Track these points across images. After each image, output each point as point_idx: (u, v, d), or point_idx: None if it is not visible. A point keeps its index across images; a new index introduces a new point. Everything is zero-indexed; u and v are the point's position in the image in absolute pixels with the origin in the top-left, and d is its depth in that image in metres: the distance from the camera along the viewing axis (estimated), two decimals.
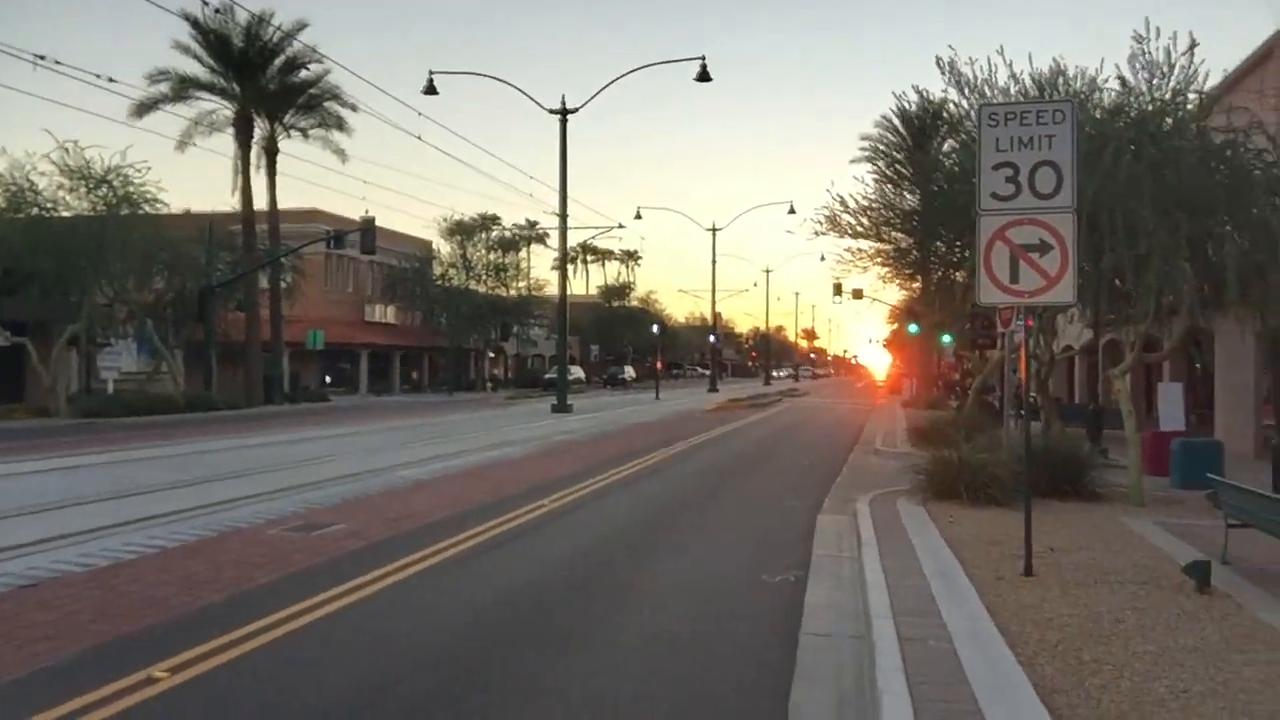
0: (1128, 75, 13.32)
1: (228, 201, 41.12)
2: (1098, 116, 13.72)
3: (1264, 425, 18.58)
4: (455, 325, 57.77)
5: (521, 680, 5.84)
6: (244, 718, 5.21)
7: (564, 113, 37.16)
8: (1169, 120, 12.98)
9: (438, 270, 60.32)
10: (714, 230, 71.69)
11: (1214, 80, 13.64)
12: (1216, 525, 9.30)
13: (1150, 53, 12.82)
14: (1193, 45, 12.72)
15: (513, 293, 63.80)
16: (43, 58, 26.20)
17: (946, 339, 30.49)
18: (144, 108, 37.60)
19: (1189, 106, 13.13)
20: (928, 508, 11.82)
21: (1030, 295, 8.25)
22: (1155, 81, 13.04)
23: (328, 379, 53.37)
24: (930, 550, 9.12)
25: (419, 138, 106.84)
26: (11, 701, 5.30)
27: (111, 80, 44.10)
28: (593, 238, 76.46)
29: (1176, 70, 12.76)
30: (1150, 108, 13.06)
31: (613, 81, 37.44)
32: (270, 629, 6.75)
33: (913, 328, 38.86)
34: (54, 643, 6.36)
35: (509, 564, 9.33)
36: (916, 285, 29.01)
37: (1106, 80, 14.33)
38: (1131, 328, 14.16)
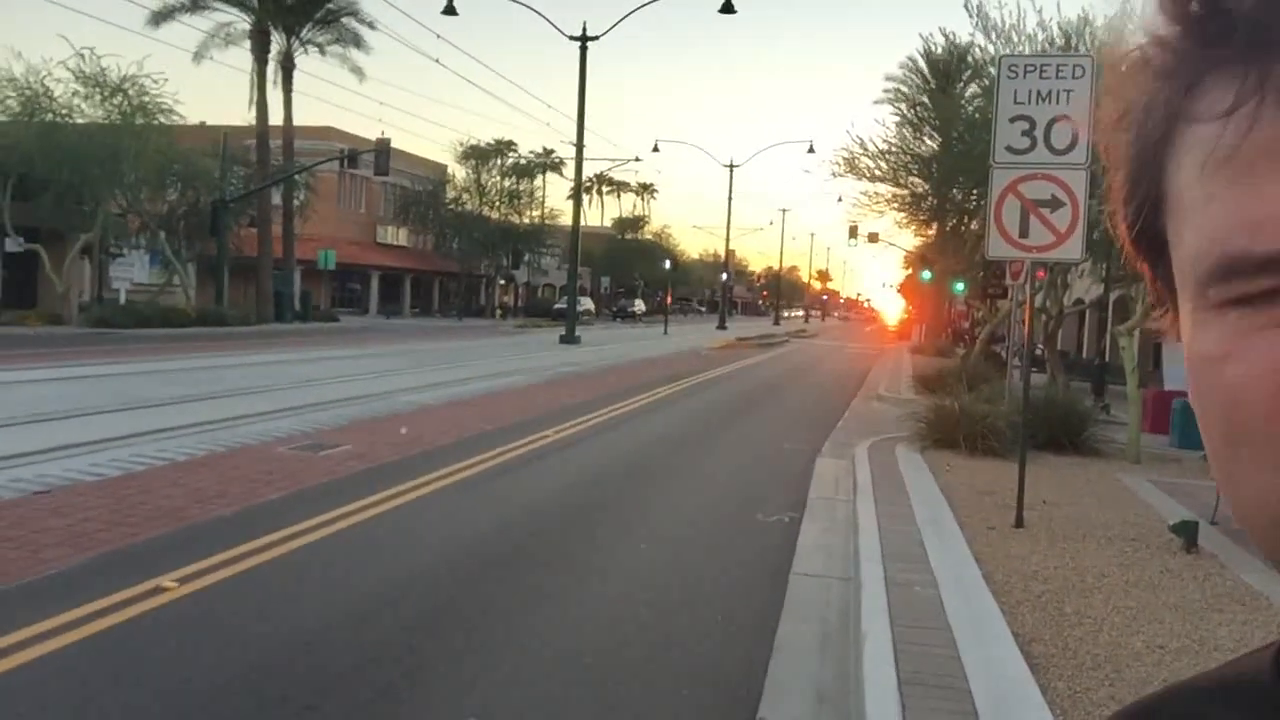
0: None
1: (243, 116, 40.85)
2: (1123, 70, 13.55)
3: None
4: (467, 250, 57.73)
5: (516, 595, 6.02)
6: (250, 627, 5.40)
7: (584, 40, 36.69)
8: None
9: (451, 194, 60.10)
10: (731, 167, 71.22)
11: None
12: (1210, 486, 9.41)
13: None
14: None
15: (526, 221, 63.66)
16: None
17: (959, 287, 30.43)
18: (160, 16, 37.22)
19: None
20: (925, 455, 11.95)
21: (1039, 251, 8.28)
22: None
23: (337, 299, 53.55)
24: (924, 498, 9.26)
25: (437, 60, 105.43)
26: (23, 604, 5.49)
27: None
28: (609, 169, 75.91)
29: None
30: None
31: (636, 9, 36.81)
32: (278, 544, 6.94)
33: (925, 274, 38.74)
34: (66, 549, 6.55)
35: (510, 492, 9.51)
36: (931, 232, 28.96)
37: (1134, 32, 14.14)
38: (1141, 285, 14.15)
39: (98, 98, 31.66)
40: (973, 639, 5.22)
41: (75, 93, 31.48)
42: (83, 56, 31.15)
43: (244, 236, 40.21)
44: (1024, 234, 8.24)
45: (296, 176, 41.66)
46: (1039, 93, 8.23)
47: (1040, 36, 16.72)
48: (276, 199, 41.36)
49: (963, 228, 22.34)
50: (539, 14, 36.99)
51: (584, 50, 36.86)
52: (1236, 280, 0.41)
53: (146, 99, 32.17)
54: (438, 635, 5.45)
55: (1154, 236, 0.48)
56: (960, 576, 6.48)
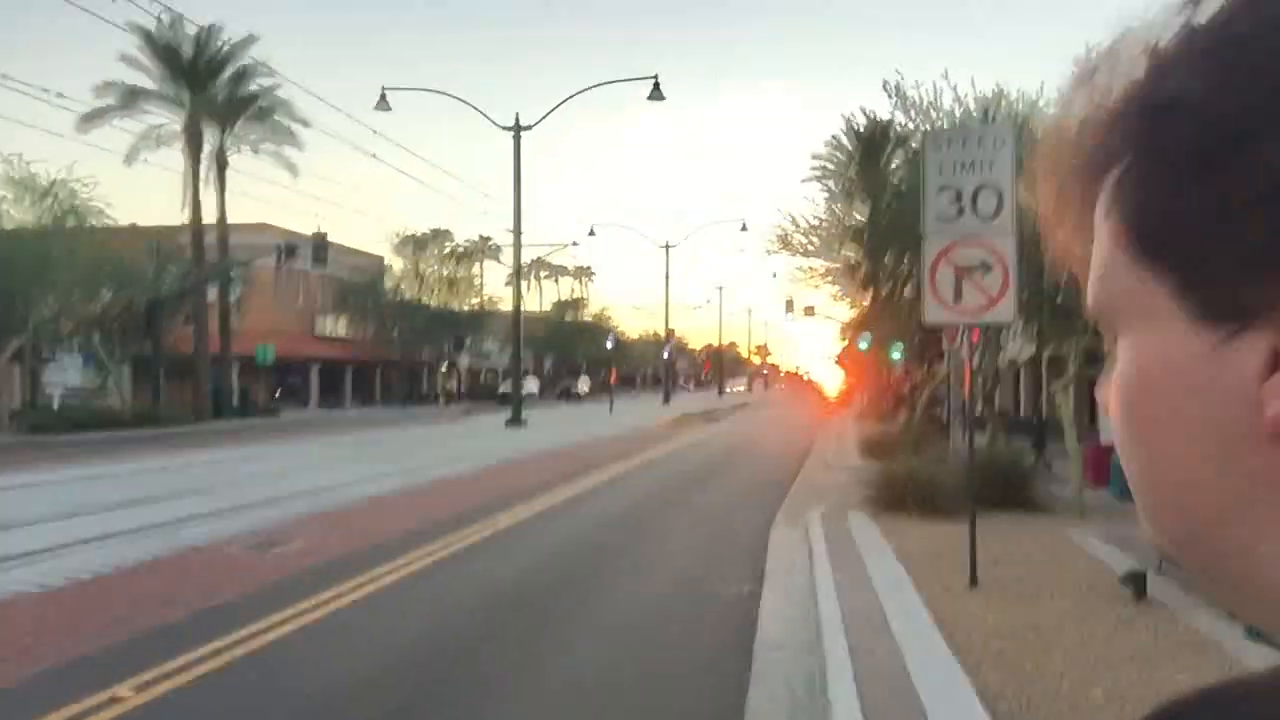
0: None
1: (176, 216, 40.63)
2: (1040, 137, 14.15)
3: None
4: (408, 339, 57.54)
5: (480, 686, 5.97)
6: None
7: (518, 130, 37.27)
8: None
9: (389, 283, 60.07)
10: (667, 247, 72.23)
11: None
12: None
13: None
14: None
15: (466, 306, 63.72)
16: None
17: (896, 354, 31.01)
18: (91, 118, 37.12)
19: None
20: (877, 520, 12.09)
21: (973, 314, 8.56)
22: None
23: (278, 393, 52.87)
24: (879, 562, 9.37)
25: (374, 155, 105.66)
26: None
27: (60, 95, 43.41)
28: (547, 254, 76.73)
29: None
30: None
31: (567, 99, 37.55)
32: (232, 647, 6.81)
33: (863, 343, 39.40)
34: (13, 664, 6.37)
35: (466, 581, 9.43)
36: (866, 301, 29.54)
37: (1048, 103, 14.82)
38: (1073, 341, 14.60)
39: (27, 202, 31.40)
40: (939, 699, 5.29)
41: (3, 198, 31.22)
42: (11, 162, 30.98)
43: (180, 335, 39.71)
44: (958, 299, 8.52)
45: (232, 272, 41.41)
46: (963, 163, 8.58)
47: (957, 111, 17.43)
48: (213, 295, 41.01)
49: (897, 295, 22.88)
50: (472, 106, 37.55)
51: (518, 140, 37.41)
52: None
53: (77, 202, 31.98)
54: None
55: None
56: (921, 639, 6.56)
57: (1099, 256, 0.47)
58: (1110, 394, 0.48)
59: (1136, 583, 7.83)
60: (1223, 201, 0.41)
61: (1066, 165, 0.49)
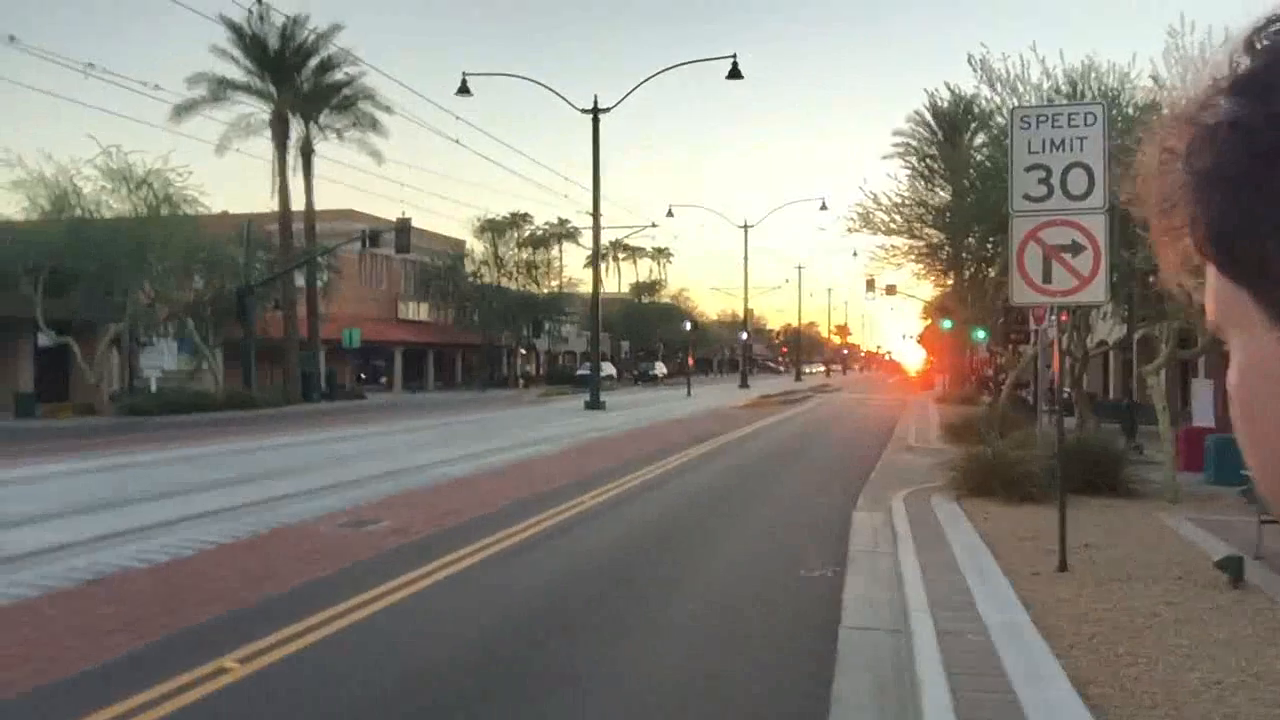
0: (1162, 70, 13.39)
1: (266, 204, 41.72)
2: (1130, 113, 13.80)
3: None
4: (487, 322, 58.27)
5: (575, 660, 6.09)
6: (312, 705, 5.49)
7: (596, 112, 37.40)
8: None
9: (470, 268, 60.83)
10: (746, 227, 71.87)
11: None
12: (1250, 521, 9.38)
13: (1184, 47, 12.88)
14: (1227, 39, 12.77)
15: (544, 290, 64.25)
16: (92, 65, 26.79)
17: (979, 334, 30.46)
18: (183, 110, 38.23)
19: None
20: (962, 504, 11.96)
21: (1063, 295, 8.41)
22: (1189, 76, 13.08)
23: (363, 376, 54.00)
24: (965, 546, 9.28)
25: (456, 140, 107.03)
26: (88, 691, 5.61)
27: (157, 88, 44.77)
28: (626, 236, 76.70)
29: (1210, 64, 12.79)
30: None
31: (645, 81, 37.57)
32: (331, 621, 7.04)
33: (946, 323, 38.80)
34: (125, 635, 6.68)
35: (554, 560, 9.59)
36: (949, 281, 29.08)
37: (1139, 75, 14.44)
38: (1165, 324, 14.22)
39: (124, 191, 32.49)
40: (1029, 684, 5.24)
41: (103, 188, 32.34)
42: (109, 154, 32.05)
43: (270, 319, 40.80)
44: (1047, 279, 8.38)
45: (319, 258, 42.35)
46: (1052, 141, 8.41)
47: (1045, 85, 17.01)
48: (300, 281, 42.01)
49: (981, 275, 22.46)
50: (551, 90, 37.77)
51: (596, 122, 37.55)
52: None
53: (171, 191, 32.99)
54: (495, 706, 5.52)
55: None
56: (1009, 622, 6.50)
57: (1209, 273, 0.55)
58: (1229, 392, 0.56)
59: (1233, 568, 7.65)
60: (1271, 216, 0.49)
61: (1159, 197, 0.56)
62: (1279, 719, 4.81)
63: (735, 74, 34.60)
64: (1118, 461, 13.11)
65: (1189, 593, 7.42)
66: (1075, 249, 8.28)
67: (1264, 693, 5.17)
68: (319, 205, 43.12)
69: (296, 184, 41.28)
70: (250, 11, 34.95)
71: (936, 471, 14.19)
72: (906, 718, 5.22)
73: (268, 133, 40.43)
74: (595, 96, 37.87)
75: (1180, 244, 0.56)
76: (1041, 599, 7.17)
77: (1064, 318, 11.20)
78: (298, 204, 41.33)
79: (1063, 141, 8.40)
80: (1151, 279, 13.37)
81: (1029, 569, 8.24)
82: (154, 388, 35.33)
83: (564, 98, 37.26)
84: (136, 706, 5.30)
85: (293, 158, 41.04)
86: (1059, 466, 9.10)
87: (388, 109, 42.66)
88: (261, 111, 40.44)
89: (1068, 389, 19.94)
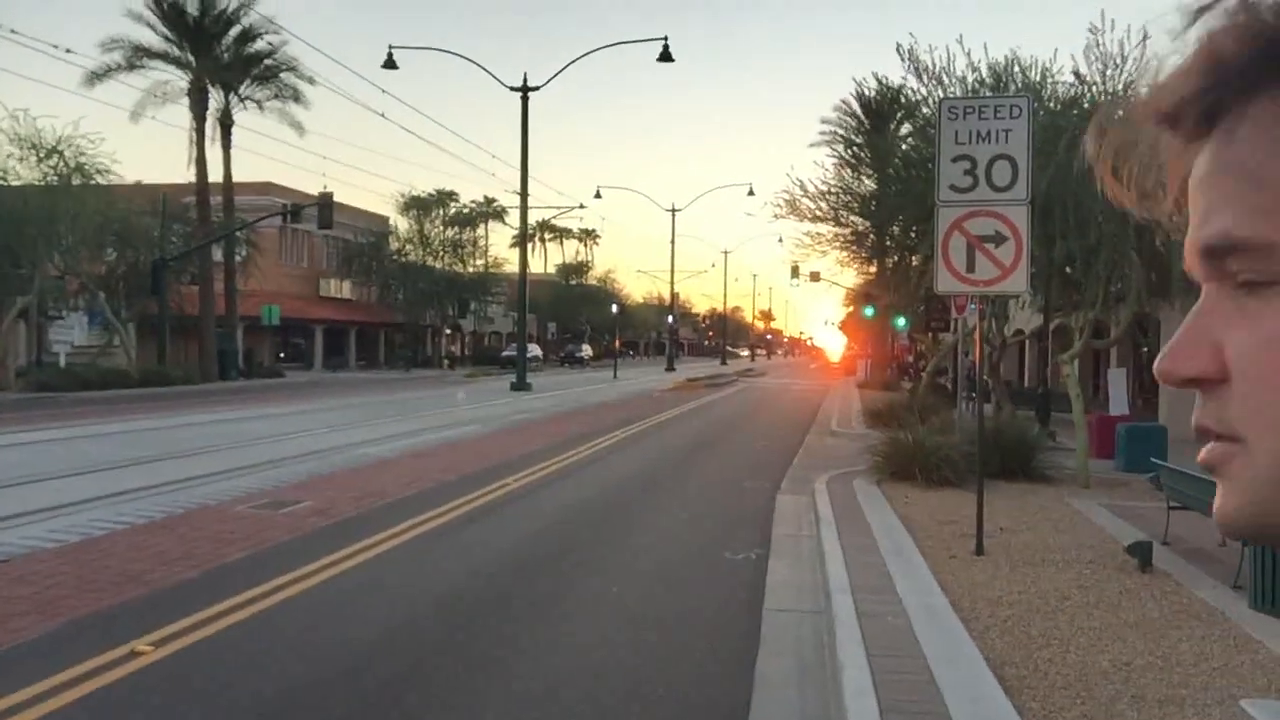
0: (1082, 67, 13.69)
1: (182, 174, 40.64)
2: (1052, 107, 14.09)
3: None
4: (412, 301, 57.52)
5: (492, 644, 6.05)
6: (226, 690, 5.38)
7: (525, 90, 37.05)
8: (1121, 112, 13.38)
9: (394, 246, 59.93)
10: (674, 211, 71.86)
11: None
12: (1159, 507, 9.71)
13: (1104, 44, 13.19)
14: (1145, 37, 13.10)
15: (470, 270, 63.58)
16: None
17: (901, 322, 30.99)
18: (97, 76, 36.94)
19: None
20: (883, 488, 12.17)
21: (985, 285, 8.57)
22: (1109, 73, 13.42)
23: (282, 355, 52.96)
24: (886, 529, 9.44)
25: (382, 115, 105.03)
26: None
27: (69, 51, 42.93)
28: (553, 217, 76.47)
29: (1129, 62, 13.14)
30: (1103, 99, 13.43)
31: (575, 60, 37.36)
32: (247, 604, 6.90)
33: (868, 310, 39.37)
34: (34, 617, 6.46)
35: (476, 542, 9.52)
36: (873, 269, 29.49)
37: (1060, 70, 14.74)
38: (1080, 314, 14.60)
39: (33, 159, 31.31)
40: (947, 664, 5.36)
41: (10, 155, 31.11)
42: (17, 118, 30.87)
43: (185, 294, 39.72)
44: (970, 269, 8.53)
45: (238, 233, 41.33)
46: (979, 133, 8.56)
47: (970, 78, 17.28)
48: (218, 256, 40.97)
49: (904, 263, 22.80)
50: (480, 66, 37.31)
51: (525, 100, 37.20)
52: None
53: (83, 159, 31.89)
54: (418, 688, 5.47)
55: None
56: (928, 605, 6.63)
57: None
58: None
59: (1142, 553, 7.90)
60: None
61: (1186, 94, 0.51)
62: (1183, 699, 4.98)
63: (666, 57, 34.55)
64: (1033, 448, 13.46)
65: (1100, 576, 7.65)
66: (998, 239, 8.44)
67: (1170, 674, 5.36)
68: (238, 177, 42.06)
69: (215, 155, 40.21)
70: None
71: (859, 456, 14.41)
72: (827, 697, 5.29)
73: (185, 101, 39.26)
74: (525, 74, 37.54)
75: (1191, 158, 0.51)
76: (959, 582, 7.33)
77: (981, 306, 11.46)
78: (215, 176, 40.27)
79: (989, 133, 8.55)
80: (1069, 270, 13.71)
81: (947, 552, 8.42)
82: (63, 363, 34.20)
83: (493, 74, 36.84)
84: (46, 690, 5.14)
85: (211, 128, 39.94)
86: (979, 453, 9.30)
87: (311, 80, 41.80)
88: (178, 80, 39.29)
89: (985, 376, 20.40)
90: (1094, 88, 13.67)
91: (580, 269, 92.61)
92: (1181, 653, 5.73)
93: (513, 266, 48.99)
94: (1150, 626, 6.26)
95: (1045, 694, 5.00)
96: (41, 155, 31.25)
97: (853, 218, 23.80)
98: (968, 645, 5.74)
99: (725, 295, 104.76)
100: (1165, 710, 4.82)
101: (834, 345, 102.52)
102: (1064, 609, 6.65)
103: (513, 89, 37.14)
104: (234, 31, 40.02)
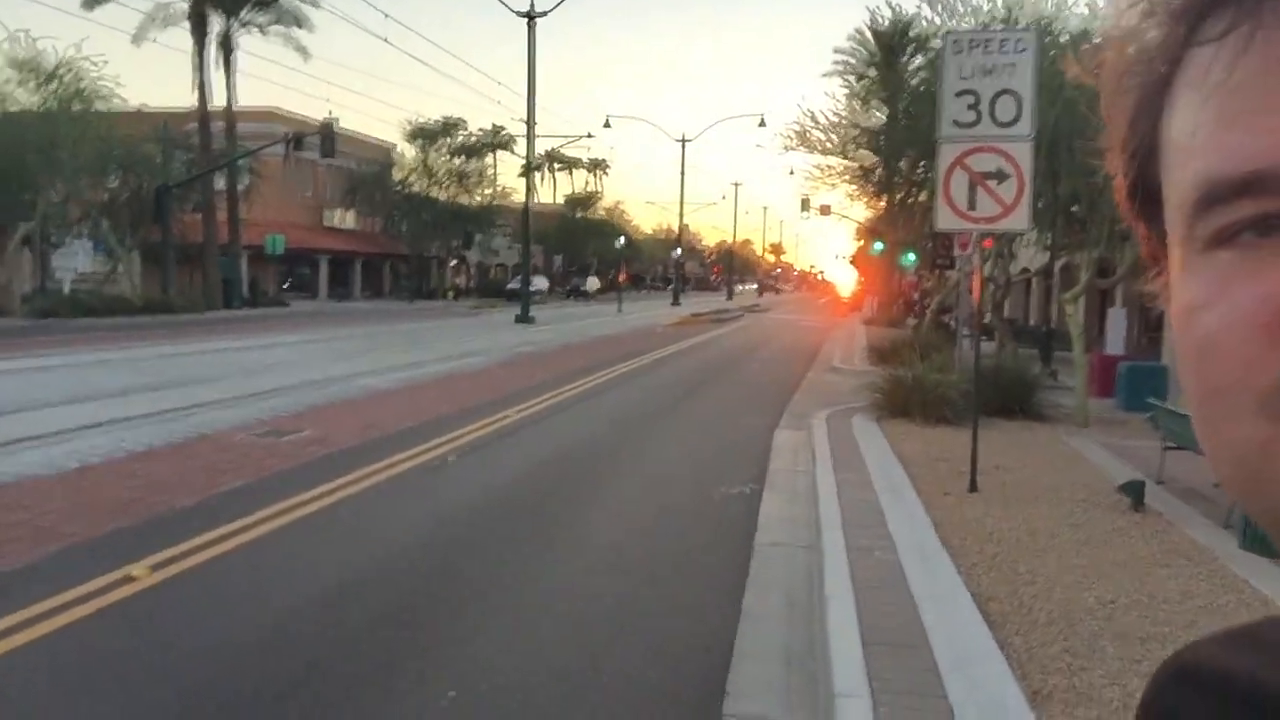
0: None
1: (186, 99, 40.10)
2: (1063, 41, 13.82)
3: None
4: (417, 232, 57.22)
5: (489, 573, 6.11)
6: (223, 613, 5.44)
7: (532, 16, 36.45)
8: None
9: (399, 175, 59.43)
10: (684, 141, 71.20)
11: None
12: (1155, 447, 9.71)
13: None
14: None
15: (476, 200, 63.12)
16: None
17: (909, 259, 30.79)
18: None
19: None
20: (881, 425, 12.19)
21: (987, 222, 8.47)
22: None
23: (286, 285, 52.90)
24: (881, 466, 9.47)
25: (385, 39, 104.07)
26: None
27: None
28: (560, 146, 75.50)
29: None
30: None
31: None
32: (243, 531, 6.96)
33: (877, 246, 39.14)
34: (29, 543, 6.53)
35: (477, 472, 9.57)
36: (882, 204, 29.26)
37: (1075, 3, 14.47)
38: (1085, 253, 14.50)
39: (33, 83, 30.95)
40: (932, 600, 5.40)
41: (9, 79, 30.77)
42: (18, 40, 30.48)
43: (189, 223, 39.55)
44: (972, 206, 8.43)
45: (241, 160, 41.03)
46: (983, 67, 8.39)
47: (985, 8, 16.98)
48: (221, 184, 40.71)
49: (911, 200, 22.60)
50: None
51: (532, 26, 36.64)
52: (1217, 209, 0.41)
53: (85, 83, 31.52)
54: (413, 618, 5.53)
55: (1149, 189, 0.47)
56: (918, 541, 6.67)
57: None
58: None
59: (1134, 492, 7.93)
60: None
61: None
62: (1165, 636, 5.02)
63: None
64: (1032, 386, 13.45)
65: (1091, 515, 7.68)
66: (1000, 176, 8.33)
67: (1154, 611, 5.39)
68: (242, 103, 41.63)
69: (218, 80, 39.77)
70: None
71: (859, 393, 14.41)
72: (813, 631, 5.34)
73: (187, 24, 38.73)
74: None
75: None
76: (950, 518, 7.37)
77: (987, 244, 11.34)
78: (218, 101, 39.86)
79: (993, 68, 8.39)
80: (1074, 209, 13.57)
81: (941, 489, 8.45)
82: (67, 290, 34.23)
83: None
84: (40, 613, 5.20)
85: (213, 53, 39.44)
86: (974, 390, 9.29)
87: (314, 3, 41.09)
88: (181, 1, 38.68)
89: (989, 315, 20.33)
90: (1107, 21, 13.39)
91: (588, 200, 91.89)
92: (1168, 591, 5.76)
93: (520, 197, 48.70)
94: (1138, 565, 6.29)
95: (1028, 630, 5.04)
96: (42, 79, 30.90)
97: (861, 151, 23.57)
98: (954, 581, 5.78)
99: (735, 228, 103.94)
100: (1147, 647, 4.86)
101: (844, 280, 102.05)
102: (1053, 546, 6.68)
103: (519, 14, 36.55)
104: None
